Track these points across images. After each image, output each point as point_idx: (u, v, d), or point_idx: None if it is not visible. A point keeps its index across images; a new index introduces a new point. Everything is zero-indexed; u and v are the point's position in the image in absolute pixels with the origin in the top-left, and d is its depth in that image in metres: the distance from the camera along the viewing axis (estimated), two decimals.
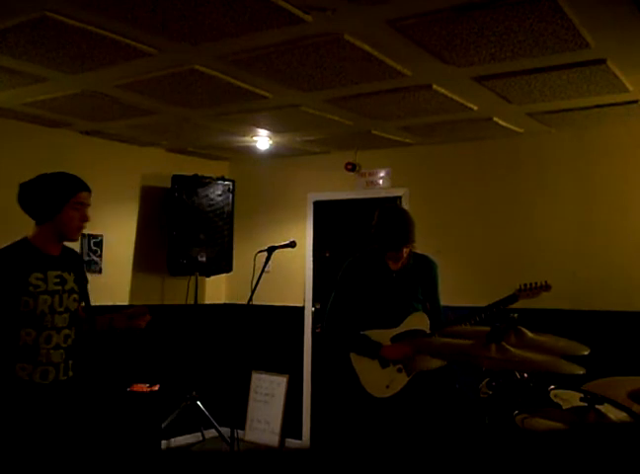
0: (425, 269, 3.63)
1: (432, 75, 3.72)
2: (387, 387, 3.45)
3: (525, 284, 3.77)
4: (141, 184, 5.90)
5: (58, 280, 2.80)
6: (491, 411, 3.00)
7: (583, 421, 2.44)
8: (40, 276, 2.75)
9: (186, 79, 3.82)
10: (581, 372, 2.34)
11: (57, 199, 2.80)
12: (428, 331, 3.47)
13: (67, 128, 5.18)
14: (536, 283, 3.80)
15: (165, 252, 5.80)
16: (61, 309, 2.79)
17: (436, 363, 3.51)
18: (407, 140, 5.40)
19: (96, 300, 4.77)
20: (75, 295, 2.88)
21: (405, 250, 3.52)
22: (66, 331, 2.82)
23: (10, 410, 2.67)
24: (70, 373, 2.84)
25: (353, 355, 3.54)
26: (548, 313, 4.50)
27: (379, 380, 3.48)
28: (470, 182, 5.37)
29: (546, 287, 3.80)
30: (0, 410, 2.68)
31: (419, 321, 3.49)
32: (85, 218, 2.88)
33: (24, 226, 4.15)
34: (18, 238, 2.84)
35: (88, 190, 2.90)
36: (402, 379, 3.47)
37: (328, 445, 2.64)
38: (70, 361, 2.84)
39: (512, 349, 2.47)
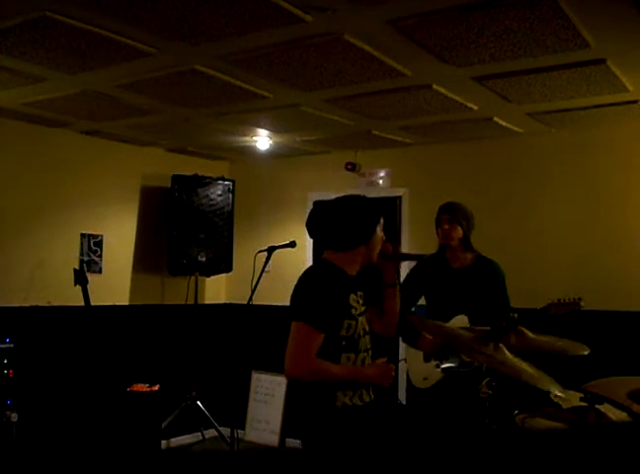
0: (488, 273, 3.76)
1: (432, 75, 3.72)
2: (425, 379, 3.68)
3: (559, 299, 3.74)
4: (141, 184, 5.90)
5: (362, 301, 2.70)
6: (491, 411, 3.01)
7: (583, 421, 2.45)
8: (355, 297, 2.64)
9: (186, 79, 3.82)
10: (558, 393, 2.38)
11: (371, 222, 2.67)
12: None
13: (67, 128, 5.17)
14: (568, 299, 3.78)
15: (165, 252, 5.81)
16: (368, 330, 2.70)
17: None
18: (407, 140, 5.39)
19: (96, 300, 4.84)
20: (366, 314, 2.73)
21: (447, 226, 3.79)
22: (370, 352, 2.72)
23: (338, 436, 2.56)
24: (372, 395, 2.71)
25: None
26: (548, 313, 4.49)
27: (420, 371, 3.74)
28: (470, 182, 5.36)
29: (577, 305, 3.75)
30: (328, 437, 2.57)
31: (460, 324, 3.52)
32: (384, 238, 2.75)
33: (22, 225, 4.13)
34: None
35: None
36: (437, 375, 3.65)
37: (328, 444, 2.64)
38: None
39: (507, 353, 2.48)
